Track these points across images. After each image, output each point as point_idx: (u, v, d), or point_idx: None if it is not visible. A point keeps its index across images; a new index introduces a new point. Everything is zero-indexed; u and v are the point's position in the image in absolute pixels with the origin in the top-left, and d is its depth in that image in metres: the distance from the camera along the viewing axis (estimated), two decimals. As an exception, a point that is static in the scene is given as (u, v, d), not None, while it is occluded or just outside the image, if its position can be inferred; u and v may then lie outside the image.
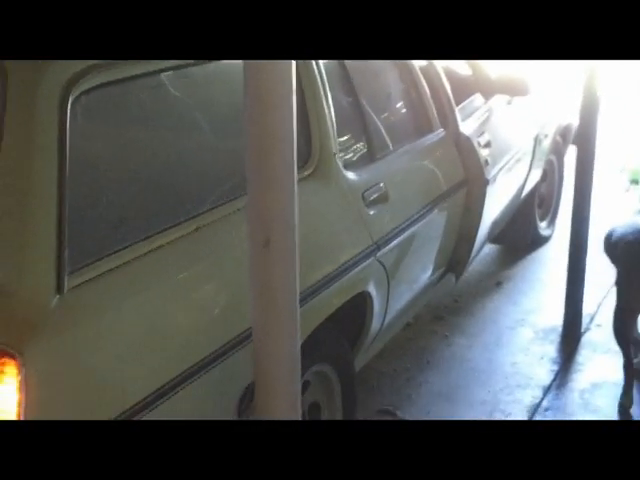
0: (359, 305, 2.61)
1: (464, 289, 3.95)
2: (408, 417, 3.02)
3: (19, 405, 1.52)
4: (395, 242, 2.76)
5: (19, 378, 1.53)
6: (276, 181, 1.51)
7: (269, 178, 1.51)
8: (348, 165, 2.60)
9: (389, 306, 2.82)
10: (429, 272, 3.18)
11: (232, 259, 2.03)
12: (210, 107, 2.19)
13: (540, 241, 4.54)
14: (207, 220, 2.01)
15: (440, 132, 3.23)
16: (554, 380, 3.26)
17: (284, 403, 1.61)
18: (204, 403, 1.95)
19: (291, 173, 1.59)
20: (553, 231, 4.64)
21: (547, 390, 3.18)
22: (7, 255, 1.63)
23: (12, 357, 1.54)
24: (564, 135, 4.56)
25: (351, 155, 2.69)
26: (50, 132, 1.69)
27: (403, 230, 2.82)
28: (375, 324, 2.74)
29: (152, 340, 1.81)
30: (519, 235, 4.38)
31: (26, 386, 1.53)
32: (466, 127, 3.36)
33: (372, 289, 2.63)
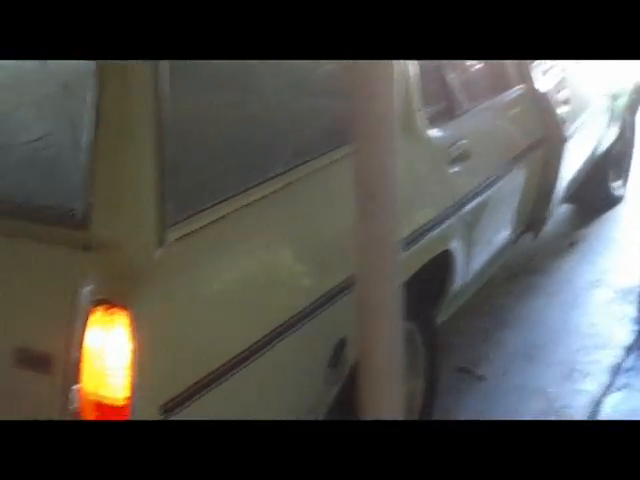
0: (441, 263, 2.60)
1: (538, 249, 3.90)
2: (486, 376, 3.02)
3: (132, 353, 1.56)
4: (477, 200, 2.74)
5: (129, 328, 1.56)
6: (380, 137, 1.52)
7: (373, 135, 1.52)
8: (431, 121, 2.58)
9: (470, 265, 2.81)
10: (508, 230, 3.15)
11: (328, 211, 2.04)
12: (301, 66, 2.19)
13: (613, 201, 4.46)
14: (303, 173, 2.03)
15: (519, 88, 3.18)
16: (637, 340, 3.21)
17: (386, 349, 1.62)
18: (298, 357, 1.97)
19: (393, 129, 1.59)
20: (625, 191, 4.56)
21: (629, 350, 3.14)
22: (111, 210, 1.65)
23: (121, 308, 1.57)
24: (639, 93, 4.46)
25: (433, 111, 2.66)
26: (147, 91, 1.71)
27: (485, 188, 2.79)
28: (456, 283, 2.73)
29: (251, 293, 1.83)
30: (593, 194, 4.31)
31: (135, 336, 1.56)
32: (544, 84, 3.30)
33: (454, 247, 2.62)
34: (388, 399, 1.73)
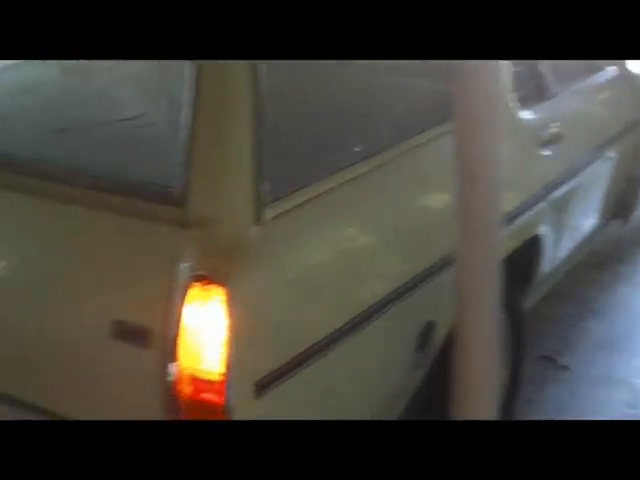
0: (530, 249, 2.55)
1: (625, 237, 3.80)
2: (570, 365, 2.96)
3: (228, 329, 1.57)
4: (567, 184, 2.68)
5: (226, 304, 1.57)
6: (483, 119, 1.50)
7: (477, 116, 1.50)
8: (522, 103, 2.53)
9: (558, 250, 2.75)
10: (597, 216, 3.08)
11: (420, 192, 2.02)
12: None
13: None
14: (397, 152, 2.01)
15: (612, 70, 3.09)
16: None
17: (484, 326, 1.61)
18: (387, 339, 1.96)
19: (496, 110, 1.57)
20: None
21: None
22: (209, 188, 1.66)
23: (219, 284, 1.58)
24: None
25: (524, 93, 2.61)
26: (246, 69, 1.71)
27: (575, 172, 2.73)
28: (543, 269, 2.68)
29: (344, 273, 1.83)
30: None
31: (232, 312, 1.57)
32: (637, 65, 3.20)
33: (543, 232, 2.57)
34: (483, 387, 1.71)
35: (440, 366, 2.19)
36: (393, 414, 2.15)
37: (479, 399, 1.72)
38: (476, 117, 1.56)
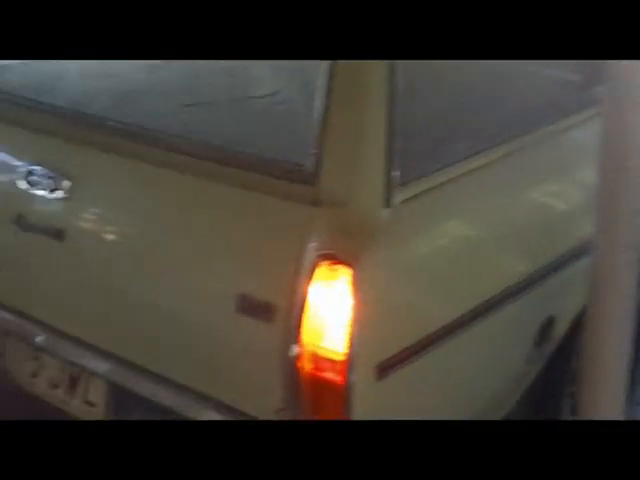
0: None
1: None
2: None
3: (353, 310, 1.57)
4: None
5: (352, 285, 1.58)
6: (632, 108, 1.45)
7: (625, 104, 1.45)
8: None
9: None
10: None
11: (549, 183, 1.99)
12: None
13: None
14: (526, 141, 1.99)
15: None
16: None
17: (618, 319, 1.58)
18: (507, 330, 1.94)
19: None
20: None
21: None
22: (341, 168, 1.66)
23: (346, 264, 1.59)
24: None
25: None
26: None
27: None
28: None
29: (470, 260, 1.81)
30: None
31: (357, 293, 1.58)
32: None
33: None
34: (611, 384, 1.66)
35: (556, 362, 2.16)
36: (505, 407, 2.12)
37: (606, 396, 1.67)
38: (628, 108, 1.50)
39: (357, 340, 1.58)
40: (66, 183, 1.95)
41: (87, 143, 1.98)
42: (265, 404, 1.70)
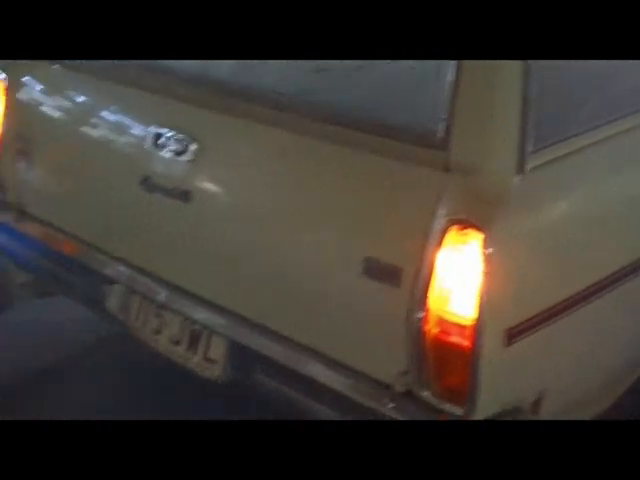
0: None
1: None
2: None
3: (483, 275, 1.57)
4: None
5: (482, 250, 1.58)
6: None
7: None
8: None
9: None
10: None
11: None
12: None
13: None
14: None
15: None
16: None
17: None
18: (634, 305, 1.91)
19: None
20: None
21: None
22: (474, 133, 1.65)
23: (477, 229, 1.58)
24: None
25: None
26: None
27: None
28: None
29: (599, 231, 1.79)
30: None
31: (488, 258, 1.57)
32: None
33: None
34: None
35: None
36: (619, 389, 2.09)
37: None
38: None
39: (486, 305, 1.58)
40: (193, 146, 2.00)
41: (214, 107, 2.03)
42: (388, 367, 1.72)
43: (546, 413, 1.77)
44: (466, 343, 1.60)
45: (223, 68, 2.11)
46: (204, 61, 2.14)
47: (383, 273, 1.70)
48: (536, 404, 1.75)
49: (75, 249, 2.36)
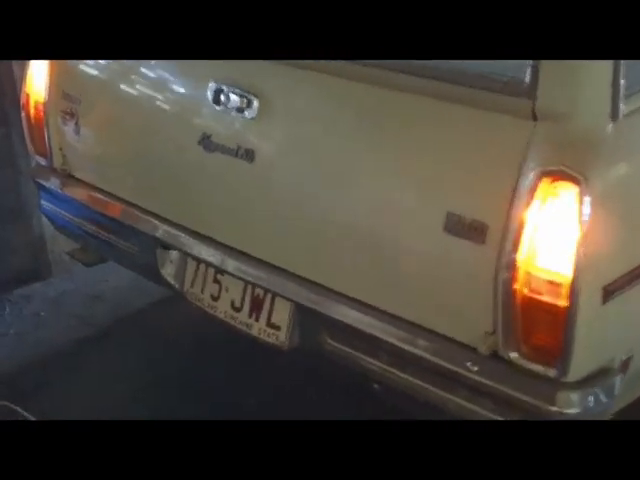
0: None
1: None
2: None
3: (579, 229, 1.48)
4: None
5: (578, 202, 1.48)
6: None
7: None
8: None
9: None
10: None
11: None
12: None
13: None
14: None
15: None
16: None
17: None
18: None
19: None
20: None
21: None
22: (562, 80, 1.55)
23: (572, 180, 1.49)
24: None
25: None
26: None
27: None
28: None
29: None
30: None
31: (586, 211, 1.47)
32: None
33: None
34: None
35: None
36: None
37: None
38: None
39: (584, 262, 1.48)
40: (256, 102, 1.91)
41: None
42: (473, 329, 1.64)
43: (632, 373, 1.69)
44: (562, 302, 1.50)
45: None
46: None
47: (466, 229, 1.60)
48: (625, 363, 1.67)
49: (127, 214, 2.28)
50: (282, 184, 1.91)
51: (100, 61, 2.28)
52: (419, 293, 1.72)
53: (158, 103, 2.18)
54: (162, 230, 2.20)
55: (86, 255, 2.57)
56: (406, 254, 1.72)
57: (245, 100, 1.92)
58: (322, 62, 1.82)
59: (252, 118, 1.92)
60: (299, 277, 1.92)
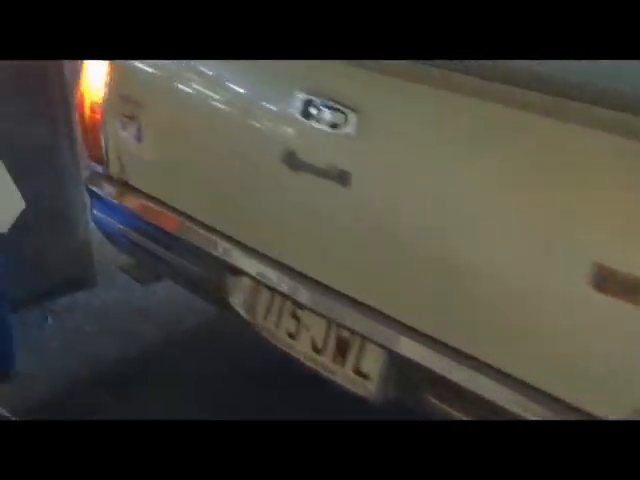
0: None
1: None
2: None
3: None
4: None
5: None
6: None
7: None
8: None
9: None
10: None
11: None
12: None
13: None
14: None
15: None
16: None
17: None
18: None
19: None
20: None
21: None
22: None
23: None
24: None
25: None
26: None
27: None
28: None
29: None
30: None
31: None
32: None
33: None
34: None
35: None
36: None
37: None
38: None
39: None
40: (353, 117, 1.64)
41: (380, 67, 1.64)
42: (622, 403, 1.37)
43: None
44: None
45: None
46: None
47: (618, 286, 1.34)
48: None
49: (192, 232, 2.03)
50: (382, 212, 1.64)
51: (168, 62, 2.02)
52: (551, 358, 1.44)
53: (234, 111, 1.91)
54: (233, 254, 1.94)
55: (140, 272, 2.33)
56: (535, 309, 1.45)
57: (341, 115, 1.65)
58: (432, 74, 1.56)
59: (349, 135, 1.65)
60: (396, 321, 1.65)
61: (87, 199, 2.59)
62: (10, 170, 2.19)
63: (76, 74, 2.29)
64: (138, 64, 2.09)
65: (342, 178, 1.66)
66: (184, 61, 2.00)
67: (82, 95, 2.19)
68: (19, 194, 2.12)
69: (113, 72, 2.12)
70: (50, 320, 2.80)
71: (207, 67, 1.95)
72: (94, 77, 2.15)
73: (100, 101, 2.15)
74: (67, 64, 2.67)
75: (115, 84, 2.12)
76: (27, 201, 2.21)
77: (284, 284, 1.85)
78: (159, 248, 2.15)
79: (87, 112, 2.19)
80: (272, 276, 1.87)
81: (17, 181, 2.20)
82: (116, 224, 2.26)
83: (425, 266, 1.59)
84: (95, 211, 2.32)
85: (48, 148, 2.80)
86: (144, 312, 2.86)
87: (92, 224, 2.78)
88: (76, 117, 2.29)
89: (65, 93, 2.73)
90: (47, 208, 2.78)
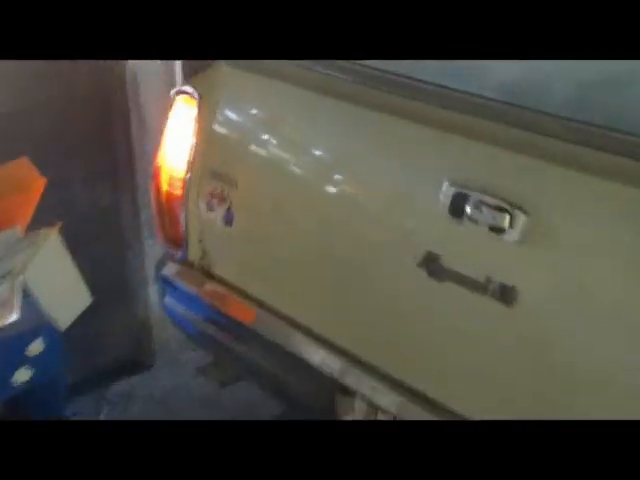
0: None
1: None
2: None
3: None
4: None
5: None
6: None
7: None
8: None
9: None
10: None
11: None
12: None
13: None
14: None
15: None
16: None
17: None
18: None
19: None
20: None
21: None
22: None
23: None
24: None
25: None
26: None
27: None
28: None
29: None
30: None
31: None
32: None
33: None
34: None
35: None
36: None
37: None
38: None
39: None
40: (521, 218, 1.30)
41: (559, 156, 1.32)
42: None
43: None
44: None
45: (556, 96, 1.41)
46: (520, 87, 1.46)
47: None
48: None
49: (291, 338, 1.69)
50: (555, 337, 1.30)
51: (270, 137, 1.71)
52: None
53: (351, 195, 1.58)
54: (345, 370, 1.60)
55: (221, 373, 1.99)
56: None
57: (506, 215, 1.32)
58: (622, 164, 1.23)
59: (515, 242, 1.32)
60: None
61: (148, 274, 2.30)
62: (67, 237, 1.89)
63: (142, 134, 2.01)
64: (232, 134, 1.77)
65: (505, 294, 1.32)
66: (292, 136, 1.69)
67: (159, 167, 1.87)
68: (85, 288, 1.80)
69: (200, 142, 1.80)
70: (105, 410, 2.48)
71: (320, 147, 1.63)
72: (176, 147, 1.84)
73: (182, 176, 1.83)
74: (135, 123, 2.37)
75: (202, 157, 1.79)
76: (83, 272, 1.91)
77: (412, 412, 1.50)
78: (249, 353, 1.81)
79: (165, 187, 1.88)
80: (396, 402, 1.52)
81: (74, 249, 1.91)
82: (195, 318, 1.92)
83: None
84: (168, 300, 1.99)
85: (110, 214, 2.50)
86: (210, 402, 2.51)
87: (152, 300, 2.51)
88: (150, 187, 1.97)
89: (131, 153, 2.43)
90: (105, 282, 2.47)
